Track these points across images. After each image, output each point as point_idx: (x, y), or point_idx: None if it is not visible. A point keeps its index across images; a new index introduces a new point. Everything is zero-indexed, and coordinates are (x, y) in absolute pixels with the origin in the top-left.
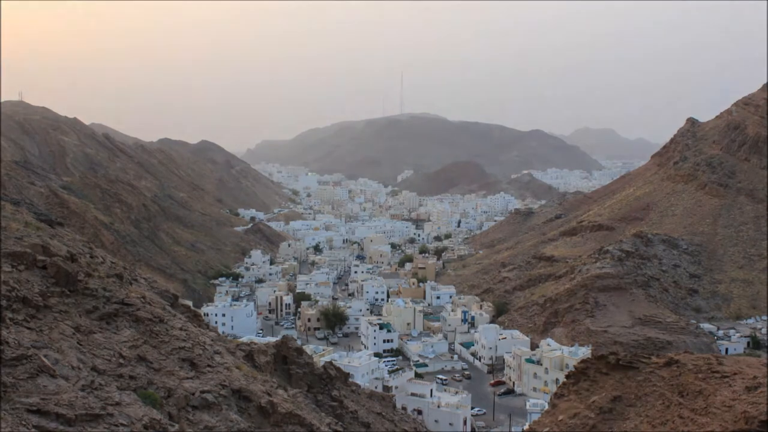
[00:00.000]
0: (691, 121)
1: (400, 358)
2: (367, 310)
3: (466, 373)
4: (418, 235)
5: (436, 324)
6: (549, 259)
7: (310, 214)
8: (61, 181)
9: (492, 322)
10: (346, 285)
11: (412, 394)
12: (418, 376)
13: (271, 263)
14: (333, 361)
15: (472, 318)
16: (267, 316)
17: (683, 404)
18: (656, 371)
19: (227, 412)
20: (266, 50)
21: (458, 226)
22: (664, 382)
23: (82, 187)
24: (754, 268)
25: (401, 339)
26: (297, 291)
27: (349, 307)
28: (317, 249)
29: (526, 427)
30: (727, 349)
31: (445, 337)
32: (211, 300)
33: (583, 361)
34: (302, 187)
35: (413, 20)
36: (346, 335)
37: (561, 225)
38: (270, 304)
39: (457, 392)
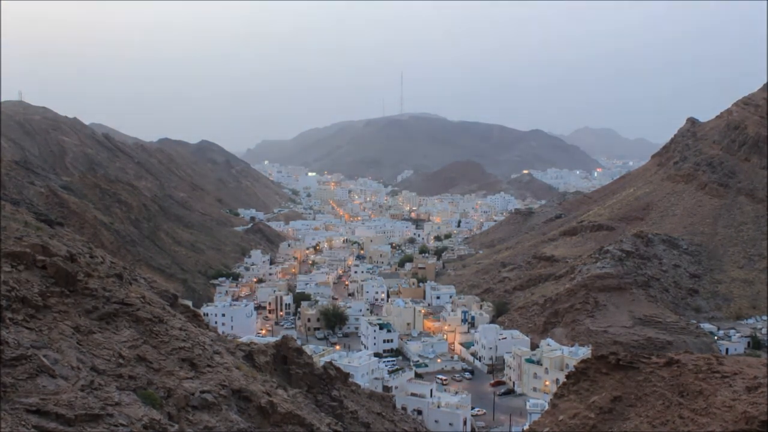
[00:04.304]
0: (691, 121)
1: (400, 358)
2: (367, 310)
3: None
4: (418, 235)
5: (437, 324)
6: (549, 259)
7: (310, 214)
8: (61, 181)
9: (492, 322)
10: (346, 285)
11: (412, 394)
12: (418, 376)
13: (271, 263)
14: (333, 361)
15: (472, 318)
16: (267, 317)
17: (683, 404)
18: (656, 371)
19: (227, 412)
20: (266, 50)
21: (458, 226)
22: (665, 382)
23: (81, 187)
24: (754, 268)
25: (401, 339)
26: (297, 291)
27: (349, 307)
28: (317, 249)
29: (526, 427)
30: (727, 349)
31: (445, 337)
32: (210, 300)
33: (583, 361)
34: (302, 187)
35: (414, 20)
36: (346, 335)
37: (561, 225)
38: (270, 304)
39: (457, 392)
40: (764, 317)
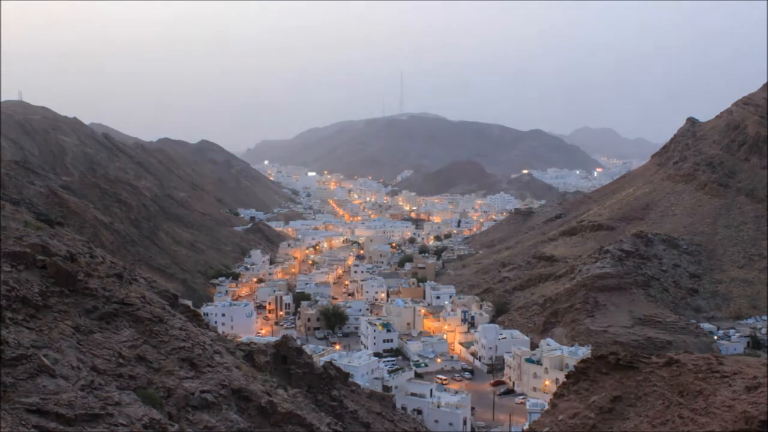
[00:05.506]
0: (691, 121)
1: (400, 357)
2: (367, 309)
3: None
4: (418, 235)
5: (437, 324)
6: (549, 258)
7: (310, 214)
8: (61, 181)
9: (492, 321)
10: (346, 285)
11: (412, 394)
12: (418, 376)
13: (271, 263)
14: (333, 361)
15: (472, 318)
16: (267, 317)
17: (683, 404)
18: (656, 371)
19: (227, 412)
20: (267, 50)
21: (458, 226)
22: (664, 382)
23: (81, 187)
24: (754, 268)
25: (401, 339)
26: (297, 291)
27: (349, 307)
28: (317, 249)
29: (526, 427)
30: (727, 349)
31: (445, 337)
32: (210, 300)
33: (583, 361)
34: (302, 187)
35: (414, 20)
36: (346, 335)
37: (561, 225)
38: (270, 304)
39: (457, 392)
40: (764, 317)
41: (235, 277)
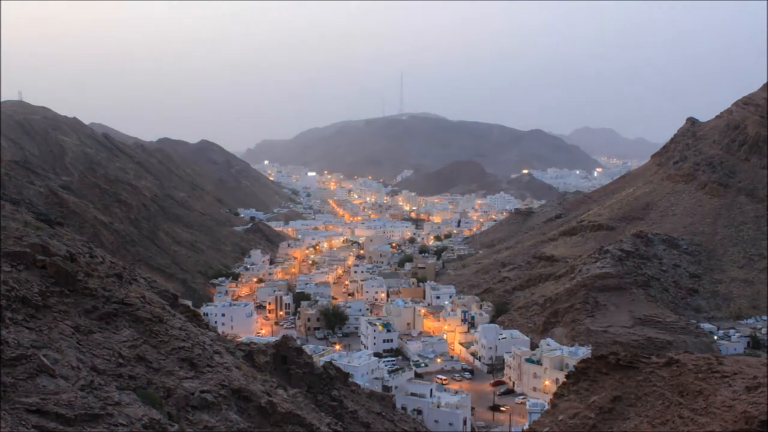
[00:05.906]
0: (691, 121)
1: (400, 358)
2: (367, 309)
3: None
4: (418, 235)
5: (437, 324)
6: (549, 258)
7: (309, 214)
8: (61, 181)
9: (492, 322)
10: (346, 285)
11: (412, 394)
12: (417, 376)
13: (271, 263)
14: (333, 361)
15: (472, 318)
16: (267, 317)
17: (683, 404)
18: (656, 371)
19: (227, 412)
20: (267, 50)
21: (458, 225)
22: (664, 382)
23: (81, 187)
24: (754, 268)
25: (401, 339)
26: (297, 291)
27: (349, 307)
28: (317, 249)
29: (526, 427)
30: (727, 349)
31: (445, 337)
32: (210, 300)
33: (583, 361)
34: (302, 187)
35: (414, 20)
36: (346, 335)
37: (561, 225)
38: (270, 304)
39: (456, 392)
40: (764, 317)
41: (235, 277)
